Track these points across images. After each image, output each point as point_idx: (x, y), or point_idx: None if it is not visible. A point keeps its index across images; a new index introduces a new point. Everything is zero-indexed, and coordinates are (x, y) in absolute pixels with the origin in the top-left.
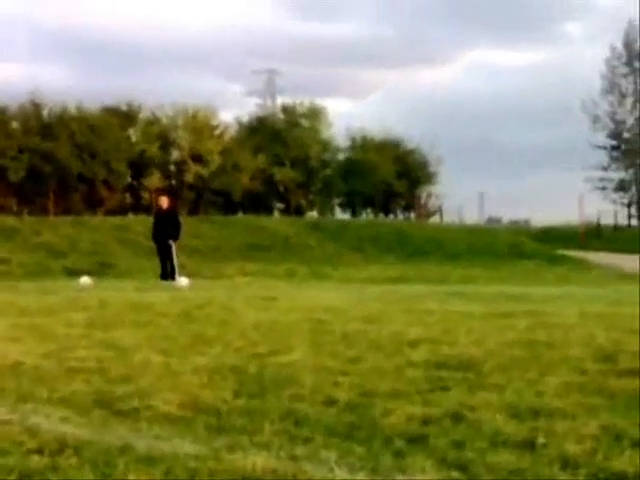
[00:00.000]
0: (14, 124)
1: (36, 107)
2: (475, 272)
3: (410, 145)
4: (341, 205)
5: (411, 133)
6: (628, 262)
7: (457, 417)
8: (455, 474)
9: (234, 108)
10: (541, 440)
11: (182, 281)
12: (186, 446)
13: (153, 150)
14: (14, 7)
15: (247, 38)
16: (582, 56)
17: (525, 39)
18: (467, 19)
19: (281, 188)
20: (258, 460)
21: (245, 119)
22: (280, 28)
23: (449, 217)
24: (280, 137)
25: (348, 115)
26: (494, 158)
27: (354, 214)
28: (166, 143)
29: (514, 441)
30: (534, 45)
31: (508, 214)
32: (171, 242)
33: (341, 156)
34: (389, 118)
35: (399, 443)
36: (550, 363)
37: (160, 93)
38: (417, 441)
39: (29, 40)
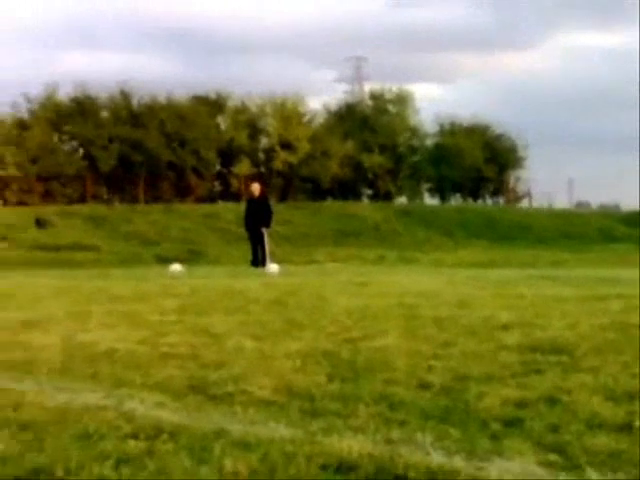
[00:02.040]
0: (104, 114)
1: (126, 97)
2: (565, 256)
3: (498, 130)
4: (430, 191)
5: (500, 117)
6: None
7: (552, 400)
8: (552, 457)
9: (324, 95)
10: (638, 423)
11: (272, 267)
12: (281, 430)
13: (242, 138)
14: None
15: (338, 25)
16: None
17: (616, 20)
18: (556, 2)
19: (370, 174)
20: (354, 443)
21: (333, 106)
22: (371, 14)
23: (538, 202)
24: (368, 123)
25: (437, 100)
26: (584, 142)
27: (443, 199)
28: (255, 131)
29: (611, 424)
30: (626, 27)
31: (597, 198)
32: (263, 229)
33: (429, 141)
34: (478, 103)
35: (495, 426)
36: None
37: (250, 81)
38: (513, 424)
39: (118, 30)
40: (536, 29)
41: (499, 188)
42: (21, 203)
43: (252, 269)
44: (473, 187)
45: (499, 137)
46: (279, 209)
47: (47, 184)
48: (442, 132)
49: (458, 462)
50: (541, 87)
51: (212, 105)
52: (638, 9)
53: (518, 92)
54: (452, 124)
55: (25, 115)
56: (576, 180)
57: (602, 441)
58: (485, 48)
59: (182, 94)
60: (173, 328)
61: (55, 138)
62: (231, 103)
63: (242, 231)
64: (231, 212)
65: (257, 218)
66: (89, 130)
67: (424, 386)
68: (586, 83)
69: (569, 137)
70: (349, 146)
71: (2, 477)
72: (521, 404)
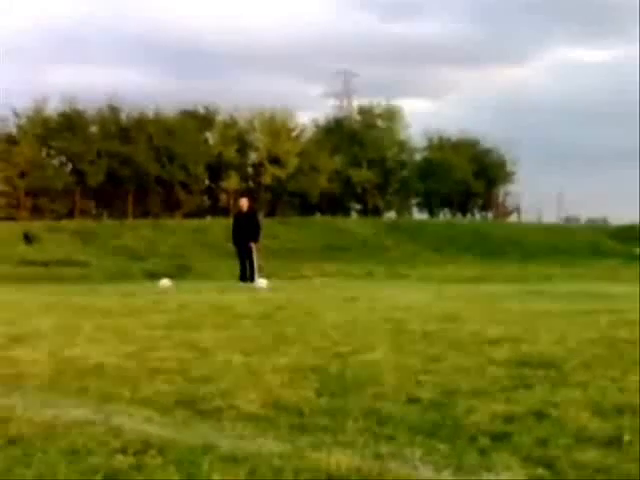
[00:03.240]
0: (93, 128)
1: (114, 111)
2: (554, 271)
3: (487, 145)
4: (418, 205)
5: (490, 132)
6: None
7: (541, 415)
8: (541, 471)
9: (313, 110)
10: (627, 437)
11: (261, 282)
12: (270, 445)
13: (231, 153)
14: (92, 10)
15: (327, 39)
16: None
17: (606, 36)
18: (547, 17)
19: (358, 189)
20: (342, 458)
21: (322, 121)
22: (360, 28)
23: (527, 216)
24: (357, 138)
25: (426, 115)
26: (572, 157)
27: (431, 214)
28: (243, 145)
29: (599, 438)
30: (616, 43)
31: (586, 213)
32: (251, 244)
33: (418, 156)
34: (467, 118)
35: (483, 441)
36: (633, 360)
37: (238, 96)
38: (501, 439)
39: (107, 44)
40: (527, 44)
41: (488, 203)
42: (9, 218)
43: (241, 284)
44: (462, 202)
45: (488, 152)
46: (267, 224)
47: (35, 199)
48: (431, 147)
49: (446, 477)
50: (531, 102)
51: (201, 120)
52: (638, 23)
53: (508, 107)
54: (441, 139)
55: (13, 130)
56: (565, 195)
57: (591, 455)
58: (475, 63)
59: (171, 109)
60: (162, 343)
61: (43, 153)
62: (220, 118)
63: (231, 246)
64: (220, 227)
65: (246, 233)
66: (77, 145)
67: (413, 401)
68: (576, 98)
69: (558, 152)
70: (338, 161)
71: None
72: (509, 419)
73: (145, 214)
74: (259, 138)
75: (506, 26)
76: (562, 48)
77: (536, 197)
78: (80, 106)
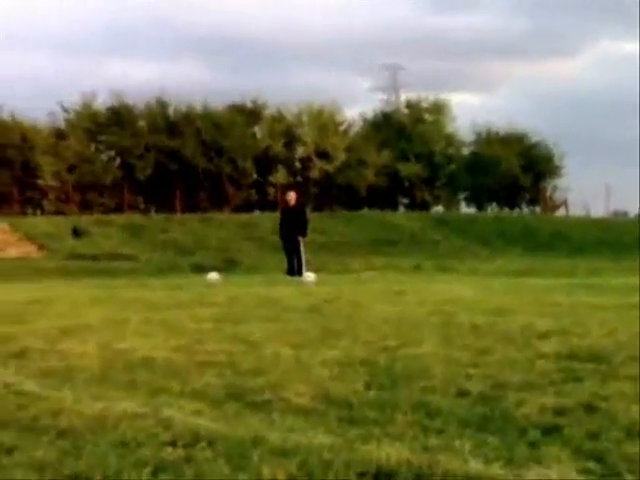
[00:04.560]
0: (141, 123)
1: (162, 105)
2: (602, 264)
3: (535, 138)
4: (466, 199)
5: (539, 126)
6: None
7: (591, 408)
8: (591, 464)
9: (361, 104)
10: None
11: (309, 276)
12: (319, 437)
13: (278, 147)
14: (141, 5)
15: (375, 33)
16: None
17: None
18: (597, 9)
19: (406, 183)
20: (392, 451)
21: (370, 115)
22: (408, 21)
23: (575, 210)
24: (405, 132)
25: (474, 109)
26: (621, 151)
27: (479, 208)
28: (291, 140)
29: None
30: None
31: (635, 207)
32: (299, 238)
33: (466, 150)
34: (516, 111)
35: (533, 434)
36: None
37: (287, 90)
38: (551, 432)
39: (155, 39)
40: (576, 37)
41: (536, 197)
42: (58, 212)
43: (288, 278)
44: (509, 196)
45: (535, 145)
46: (315, 218)
47: (84, 193)
48: (478, 141)
49: (496, 469)
50: (580, 95)
51: (248, 114)
52: None
53: (557, 100)
54: (488, 133)
55: (62, 124)
56: (613, 189)
57: None
58: (524, 56)
59: (218, 103)
60: (210, 336)
61: (92, 147)
62: (267, 112)
63: (278, 240)
64: (268, 221)
65: (293, 227)
66: (126, 139)
67: (462, 394)
68: (625, 91)
69: (607, 145)
70: (385, 155)
71: None
72: (559, 412)
73: (193, 208)
74: (307, 132)
75: (555, 19)
76: (611, 41)
77: (584, 191)
78: (128, 100)
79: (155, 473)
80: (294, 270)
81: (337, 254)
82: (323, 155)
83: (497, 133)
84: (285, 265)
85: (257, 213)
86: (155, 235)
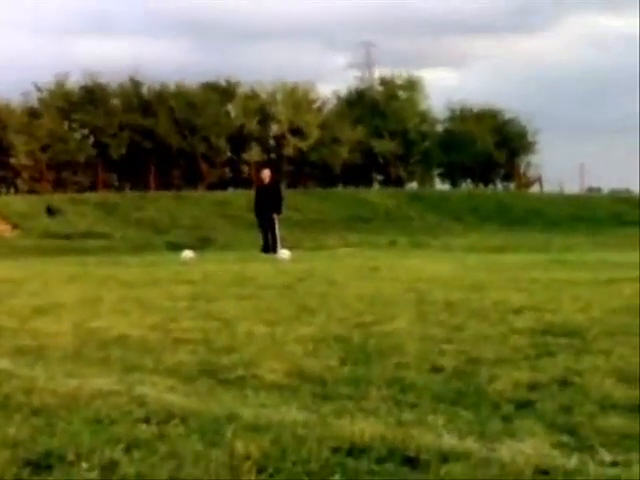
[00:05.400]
0: (114, 101)
1: (136, 84)
2: (576, 240)
3: (509, 115)
4: (441, 176)
5: (511, 102)
6: None
7: (564, 382)
8: (565, 438)
9: (335, 81)
10: None
11: (283, 253)
12: (293, 413)
13: (252, 124)
14: None
15: (348, 10)
16: None
17: (631, 3)
18: None
19: (380, 160)
20: (366, 426)
21: (344, 92)
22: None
23: (549, 187)
24: (378, 109)
25: (448, 86)
26: (594, 127)
27: (454, 185)
28: (265, 117)
29: (623, 405)
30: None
31: (609, 184)
32: (274, 215)
33: (440, 127)
34: (490, 88)
35: (506, 408)
36: None
37: (260, 68)
38: (525, 406)
39: (129, 16)
40: (549, 12)
41: (510, 173)
42: (32, 191)
43: (263, 255)
44: (484, 172)
45: (509, 122)
46: (290, 195)
47: (58, 172)
48: (453, 118)
49: (470, 444)
50: (553, 71)
51: (222, 92)
52: None
53: (530, 76)
54: (462, 110)
55: (36, 104)
56: (587, 166)
57: (614, 422)
58: (496, 32)
59: (192, 81)
60: (185, 314)
61: (65, 126)
62: (241, 90)
63: (252, 217)
64: (242, 198)
65: (268, 204)
66: (99, 118)
67: (436, 369)
68: (599, 66)
69: (580, 122)
70: (359, 132)
71: (14, 461)
72: (533, 386)
73: (167, 186)
74: (281, 110)
75: None
76: (584, 16)
77: (558, 168)
78: (102, 79)
79: (128, 450)
80: (269, 247)
81: (312, 231)
82: (297, 132)
83: (471, 110)
84: (260, 242)
85: (231, 191)
86: (129, 213)
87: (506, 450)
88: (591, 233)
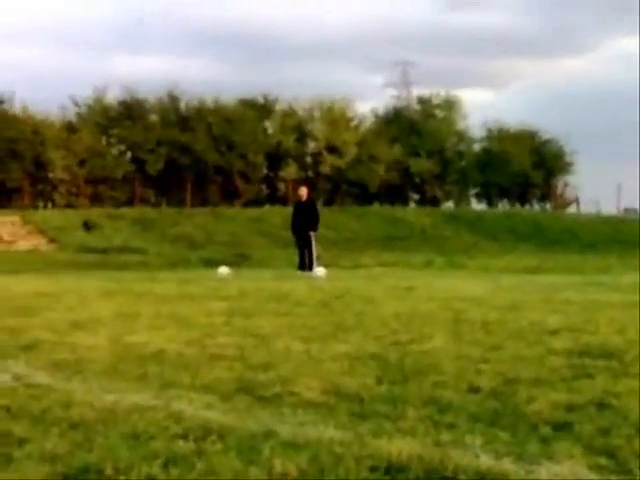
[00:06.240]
0: (152, 117)
1: (174, 100)
2: (612, 262)
3: (546, 135)
4: (477, 196)
5: (551, 124)
6: None
7: (602, 404)
8: (602, 460)
9: (373, 100)
10: None
11: (319, 271)
12: (330, 432)
13: (289, 142)
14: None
15: (387, 29)
16: None
17: None
18: (609, 6)
19: (417, 179)
20: (403, 445)
21: (381, 110)
22: (421, 18)
23: (586, 208)
24: (416, 128)
25: (486, 106)
26: (631, 148)
27: (490, 205)
28: (302, 135)
29: None
30: None
31: None
32: (310, 233)
33: (477, 147)
34: (529, 109)
35: (544, 430)
36: None
37: (298, 85)
38: (562, 428)
39: (167, 33)
40: (588, 34)
41: (546, 194)
42: (69, 206)
43: (299, 273)
44: (520, 193)
45: (546, 143)
46: (326, 213)
47: (95, 187)
48: (490, 137)
49: (507, 465)
50: (591, 93)
51: (260, 109)
52: None
53: (568, 98)
54: (500, 129)
55: (73, 118)
56: (624, 187)
57: None
58: (536, 53)
59: (230, 98)
60: (221, 330)
61: (103, 141)
62: (279, 107)
63: (289, 235)
64: (278, 216)
65: (305, 222)
66: (137, 133)
67: (473, 389)
68: (636, 88)
69: (619, 143)
70: (396, 151)
71: (52, 475)
72: (571, 408)
73: (204, 203)
74: (318, 127)
75: (567, 17)
76: (623, 39)
77: (595, 189)
78: (140, 95)
79: (166, 466)
80: (305, 265)
81: (348, 249)
82: (334, 150)
83: (508, 130)
84: (297, 260)
85: (268, 208)
86: (165, 229)
87: (544, 472)
88: (627, 255)
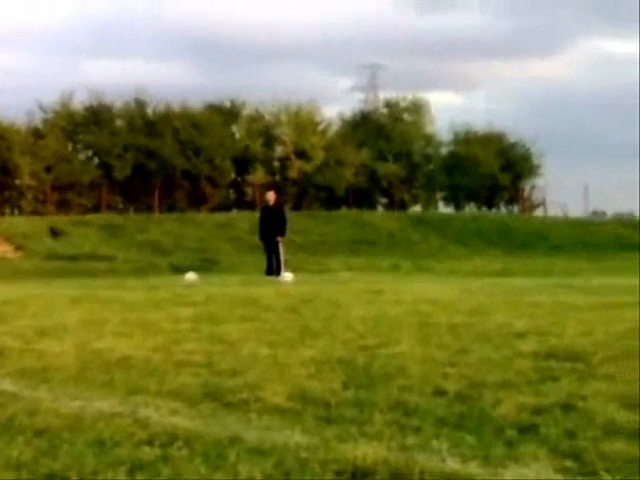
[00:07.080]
0: (119, 122)
1: (141, 105)
2: (580, 264)
3: (513, 138)
4: (444, 199)
5: (518, 126)
6: None
7: (568, 407)
8: (568, 463)
9: (340, 103)
10: None
11: (287, 276)
12: (296, 437)
13: (257, 146)
14: (119, 4)
15: (354, 33)
16: None
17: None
18: (576, 9)
19: (384, 183)
20: (369, 450)
21: (348, 114)
22: (388, 21)
23: (553, 210)
24: (383, 132)
25: (453, 108)
26: (599, 151)
27: (457, 208)
28: (270, 139)
29: (627, 430)
30: None
31: (613, 207)
32: (278, 238)
33: (444, 150)
34: (495, 111)
35: (510, 433)
36: None
37: (265, 89)
38: (528, 430)
39: (134, 38)
40: (555, 37)
41: (514, 196)
42: (36, 212)
43: (267, 277)
44: (488, 195)
45: (514, 145)
46: (294, 218)
47: (62, 193)
48: (457, 140)
49: (473, 468)
50: (559, 95)
51: (227, 113)
52: None
53: (536, 100)
54: (467, 132)
55: (40, 124)
56: (591, 189)
57: (618, 447)
58: (504, 56)
59: (197, 102)
60: (188, 336)
61: (70, 147)
62: (246, 111)
63: (256, 240)
64: (246, 221)
65: (272, 227)
66: (104, 139)
67: (439, 393)
68: (604, 91)
69: (585, 146)
70: (364, 154)
71: None
72: (537, 411)
73: (171, 208)
74: (285, 132)
75: (535, 19)
76: (591, 41)
77: (563, 191)
78: (107, 100)
79: (132, 472)
80: (272, 270)
81: (315, 254)
82: (301, 154)
83: (476, 133)
84: (264, 265)
85: (235, 213)
86: (133, 235)
87: (509, 475)
88: (595, 257)
